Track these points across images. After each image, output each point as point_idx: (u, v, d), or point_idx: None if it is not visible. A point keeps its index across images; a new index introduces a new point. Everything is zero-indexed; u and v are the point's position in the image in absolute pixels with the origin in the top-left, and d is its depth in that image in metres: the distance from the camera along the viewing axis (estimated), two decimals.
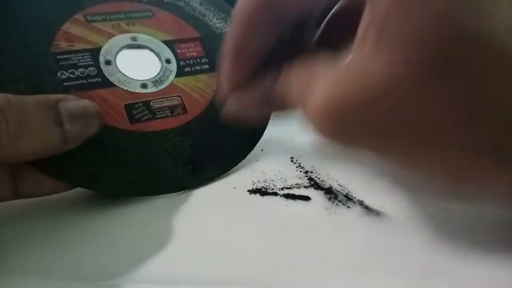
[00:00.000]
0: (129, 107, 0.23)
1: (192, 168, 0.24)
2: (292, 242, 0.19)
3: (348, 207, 0.21)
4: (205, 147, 0.25)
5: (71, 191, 0.22)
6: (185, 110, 0.25)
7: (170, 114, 0.24)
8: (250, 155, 0.26)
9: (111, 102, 0.23)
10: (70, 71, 0.22)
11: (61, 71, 0.22)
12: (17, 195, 0.20)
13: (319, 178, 0.24)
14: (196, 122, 0.25)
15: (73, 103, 0.20)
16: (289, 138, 0.29)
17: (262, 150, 0.28)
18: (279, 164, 0.26)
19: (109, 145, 0.22)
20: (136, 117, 0.23)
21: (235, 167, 0.25)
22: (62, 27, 0.23)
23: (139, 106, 0.24)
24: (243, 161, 0.26)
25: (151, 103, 0.24)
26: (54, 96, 0.19)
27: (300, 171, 0.25)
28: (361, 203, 0.22)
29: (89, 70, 0.23)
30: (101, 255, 0.18)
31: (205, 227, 0.20)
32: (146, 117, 0.24)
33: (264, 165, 0.26)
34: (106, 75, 0.23)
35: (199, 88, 0.26)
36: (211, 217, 0.21)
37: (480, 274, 0.17)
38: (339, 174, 0.25)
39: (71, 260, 0.18)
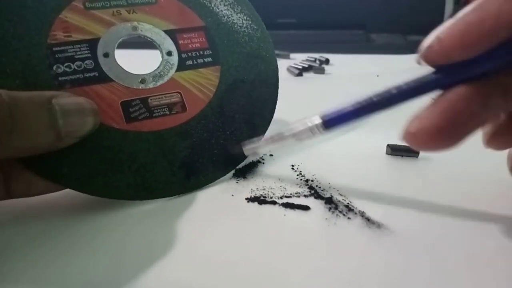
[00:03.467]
0: (126, 105, 0.22)
1: (188, 171, 0.23)
2: (289, 254, 0.18)
3: (349, 218, 0.21)
4: (203, 149, 0.24)
5: (64, 195, 0.22)
6: (184, 108, 0.24)
7: (168, 113, 0.23)
8: (249, 163, 0.26)
9: (107, 98, 0.22)
10: (66, 64, 0.21)
11: (57, 65, 0.21)
12: (9, 195, 0.20)
13: (319, 187, 0.24)
14: (195, 122, 0.24)
15: (67, 99, 0.19)
16: (291, 145, 0.29)
17: (263, 157, 0.27)
18: (279, 172, 0.25)
19: (104, 145, 0.21)
20: (132, 115, 0.22)
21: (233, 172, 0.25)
22: (60, 15, 0.22)
23: (136, 103, 0.23)
24: (242, 168, 0.25)
25: (149, 100, 0.23)
26: (48, 93, 0.19)
27: (301, 180, 0.25)
28: (362, 214, 0.21)
29: (86, 64, 0.22)
30: (93, 263, 0.18)
31: (200, 235, 0.20)
32: (143, 115, 0.23)
33: (264, 172, 0.25)
34: (103, 69, 0.22)
35: (200, 84, 0.25)
36: (207, 225, 0.20)
37: None
38: (341, 183, 0.24)
39: (62, 268, 0.18)
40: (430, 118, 0.16)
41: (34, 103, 0.18)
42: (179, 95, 0.24)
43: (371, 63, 0.51)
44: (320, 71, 0.49)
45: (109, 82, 0.22)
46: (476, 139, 0.29)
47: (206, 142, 0.24)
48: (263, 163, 0.27)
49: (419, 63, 0.17)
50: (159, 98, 0.23)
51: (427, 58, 0.17)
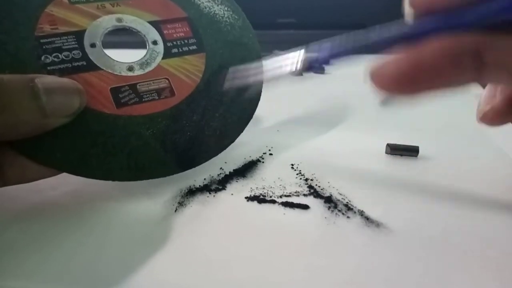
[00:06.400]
0: (115, 91, 0.23)
1: (180, 152, 0.23)
2: (288, 253, 0.18)
3: (348, 217, 0.21)
4: (193, 131, 0.24)
5: (61, 194, 0.22)
6: (172, 93, 0.24)
7: (157, 97, 0.24)
8: (249, 162, 0.26)
9: (96, 86, 0.22)
10: (54, 55, 0.22)
11: (45, 55, 0.22)
12: (4, 182, 0.20)
13: (319, 186, 0.24)
14: (184, 105, 0.24)
15: (50, 78, 0.20)
16: (290, 144, 0.29)
17: (263, 156, 0.27)
18: (279, 171, 0.25)
19: (96, 129, 0.21)
20: (122, 101, 0.23)
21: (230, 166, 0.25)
22: (46, 10, 0.23)
23: (125, 89, 0.23)
24: (241, 167, 0.26)
25: (138, 86, 0.24)
26: (32, 75, 0.19)
27: (300, 179, 0.25)
28: (361, 213, 0.21)
29: (73, 54, 0.22)
30: (94, 262, 0.18)
31: (200, 234, 0.20)
32: (133, 100, 0.23)
33: (264, 171, 0.25)
34: (91, 58, 0.23)
35: (186, 70, 0.26)
36: (206, 224, 0.20)
37: None
38: (340, 182, 0.24)
39: (58, 265, 0.18)
40: (396, 62, 0.16)
41: (17, 82, 0.18)
42: (167, 81, 0.25)
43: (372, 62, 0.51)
44: (320, 71, 0.49)
45: (98, 70, 0.23)
46: (475, 139, 0.29)
47: (196, 124, 0.24)
48: (263, 162, 0.27)
49: (406, 10, 0.17)
50: (147, 84, 0.24)
51: (412, 3, 0.17)
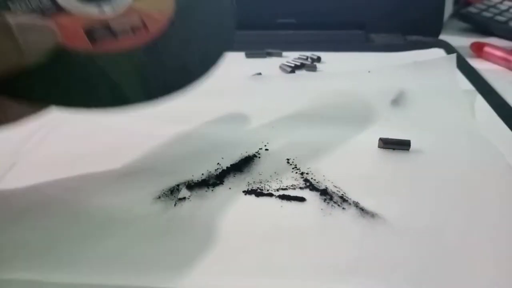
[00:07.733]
0: (89, 30, 0.23)
1: (161, 82, 0.24)
2: (286, 244, 0.19)
3: (343, 208, 0.21)
4: (172, 62, 0.25)
5: (62, 192, 0.22)
6: (146, 28, 0.25)
7: (132, 33, 0.24)
8: (246, 157, 0.26)
9: (69, 26, 0.23)
10: (23, 3, 0.22)
11: (14, 4, 0.21)
12: None
13: (314, 180, 0.24)
14: (159, 39, 0.25)
15: (21, 15, 0.20)
16: (286, 140, 0.29)
17: (259, 151, 0.28)
18: (275, 165, 0.26)
19: (74, 67, 0.22)
20: (96, 38, 0.23)
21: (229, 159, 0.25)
22: None
23: (98, 28, 0.23)
24: (238, 162, 0.26)
25: (111, 24, 0.24)
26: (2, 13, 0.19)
27: (296, 173, 0.25)
28: (356, 205, 0.22)
29: (42, 2, 0.22)
30: (94, 257, 0.18)
31: (199, 228, 0.20)
32: (107, 38, 0.23)
33: (260, 166, 0.26)
34: (60, 4, 0.23)
35: (157, 5, 0.26)
36: (205, 218, 0.21)
37: (476, 280, 0.17)
38: (335, 175, 0.25)
39: (63, 261, 0.18)
40: None
41: None
42: (139, 17, 0.25)
43: (364, 60, 0.52)
44: (312, 68, 0.50)
45: (69, 14, 0.23)
46: (465, 133, 0.30)
47: (174, 56, 0.25)
48: (259, 157, 0.27)
49: None
50: (120, 21, 0.24)
51: None
